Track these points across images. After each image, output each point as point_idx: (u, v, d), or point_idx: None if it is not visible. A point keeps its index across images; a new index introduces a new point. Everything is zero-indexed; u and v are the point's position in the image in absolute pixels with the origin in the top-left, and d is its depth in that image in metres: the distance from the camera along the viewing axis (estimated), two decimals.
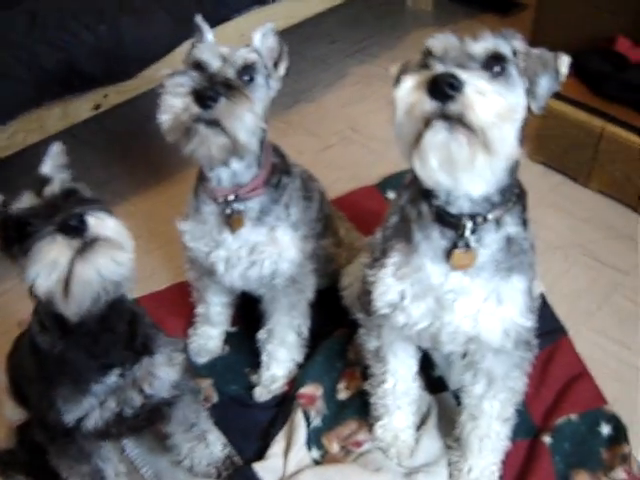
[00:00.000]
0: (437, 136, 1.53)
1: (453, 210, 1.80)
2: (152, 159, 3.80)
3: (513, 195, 1.83)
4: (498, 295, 1.90)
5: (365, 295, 2.13)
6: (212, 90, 1.89)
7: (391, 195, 3.27)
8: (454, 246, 1.83)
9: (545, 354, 2.63)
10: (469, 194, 1.74)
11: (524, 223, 1.90)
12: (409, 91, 1.55)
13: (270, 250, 2.32)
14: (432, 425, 2.46)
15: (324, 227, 2.67)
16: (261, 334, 2.61)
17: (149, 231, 3.41)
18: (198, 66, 2.01)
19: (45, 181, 1.75)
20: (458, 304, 1.90)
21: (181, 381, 2.06)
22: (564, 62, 1.74)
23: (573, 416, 2.44)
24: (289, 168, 2.38)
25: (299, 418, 2.42)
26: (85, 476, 2.07)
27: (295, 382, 2.59)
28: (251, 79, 2.05)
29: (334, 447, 2.42)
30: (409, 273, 1.93)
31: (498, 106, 1.51)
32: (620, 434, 2.40)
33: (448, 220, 1.82)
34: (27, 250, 1.58)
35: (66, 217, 1.54)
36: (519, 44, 1.71)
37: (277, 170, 2.30)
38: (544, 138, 3.53)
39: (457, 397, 2.48)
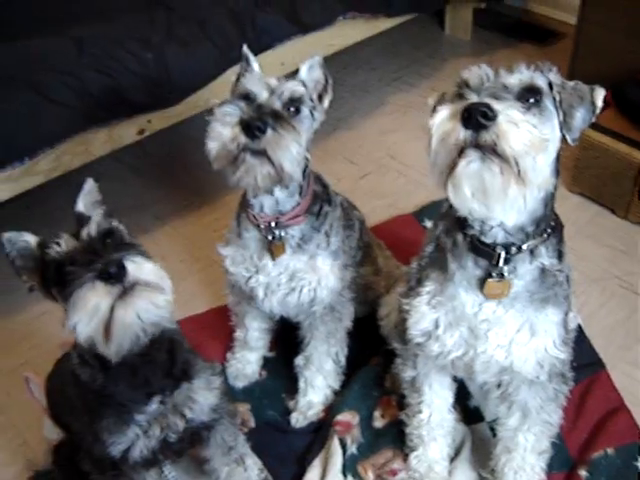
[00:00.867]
0: (470, 165, 1.56)
1: (487, 240, 1.82)
2: (193, 183, 3.86)
3: (549, 226, 1.84)
4: (532, 326, 1.90)
5: (401, 324, 2.15)
6: (260, 121, 1.92)
7: (428, 224, 3.29)
8: (488, 275, 1.85)
9: (582, 387, 2.62)
10: (502, 224, 1.77)
11: (560, 255, 1.90)
12: (444, 120, 1.59)
13: (309, 277, 2.34)
14: (466, 457, 2.45)
15: (363, 255, 2.69)
16: (299, 360, 2.64)
17: (190, 254, 3.46)
18: (246, 96, 2.05)
19: (82, 221, 1.80)
20: (491, 334, 1.91)
21: (220, 404, 2.08)
22: (600, 95, 1.75)
23: (610, 450, 2.42)
24: (330, 197, 2.40)
25: (335, 445, 2.43)
26: None
27: (332, 409, 2.61)
28: (297, 111, 2.08)
29: (369, 475, 2.42)
30: (443, 302, 1.95)
31: (531, 136, 1.53)
32: None
33: (482, 250, 1.84)
34: (67, 296, 1.62)
35: (106, 264, 1.57)
36: (554, 77, 1.73)
37: (319, 198, 2.34)
38: (582, 169, 3.52)
39: (493, 428, 2.47)
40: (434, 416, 2.34)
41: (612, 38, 3.90)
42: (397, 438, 2.49)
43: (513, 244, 1.81)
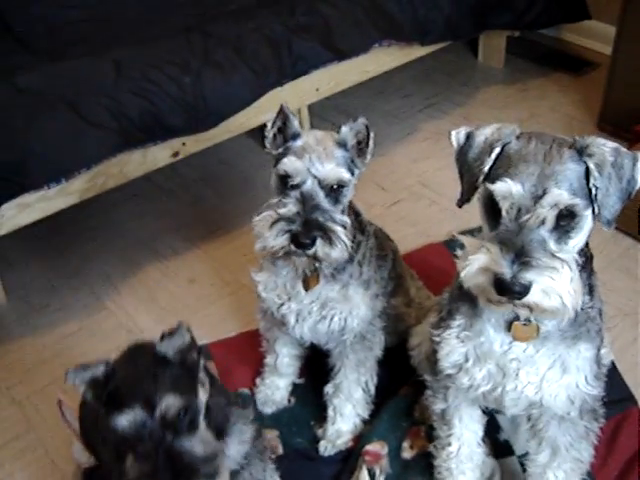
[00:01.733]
0: (504, 312, 1.72)
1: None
2: (224, 206, 3.87)
3: (578, 265, 1.77)
4: (563, 363, 1.89)
5: (432, 355, 2.14)
6: (309, 237, 2.03)
7: (459, 253, 3.26)
8: (516, 317, 1.84)
9: (613, 423, 2.58)
10: None
11: (591, 290, 1.89)
12: (475, 274, 1.63)
13: (341, 307, 2.36)
14: None
15: (395, 286, 2.69)
16: (328, 388, 2.63)
17: (220, 278, 3.47)
18: (285, 178, 2.11)
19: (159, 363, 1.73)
20: (522, 372, 1.91)
21: (251, 450, 2.08)
22: None
23: None
24: (364, 227, 2.41)
25: (364, 475, 2.41)
26: None
27: (361, 438, 2.60)
28: (340, 191, 2.14)
29: None
30: (472, 337, 1.95)
31: (563, 299, 1.59)
32: None
33: None
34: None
35: None
36: (594, 162, 1.63)
37: (352, 228, 2.33)
38: None
39: (522, 463, 2.44)
40: (463, 449, 2.32)
41: None
42: (426, 470, 2.47)
43: None
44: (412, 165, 4.18)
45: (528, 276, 1.55)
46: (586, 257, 1.86)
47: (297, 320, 2.41)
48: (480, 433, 2.35)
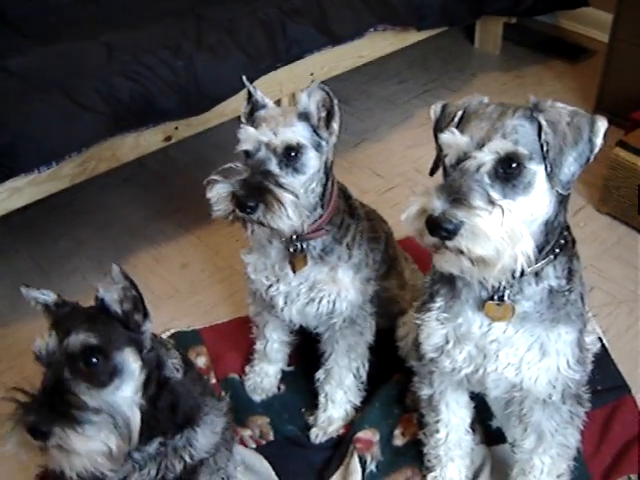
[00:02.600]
0: (445, 259, 1.63)
1: None
2: None
3: (556, 246, 1.81)
4: (542, 345, 1.89)
5: (417, 340, 2.13)
6: (249, 199, 1.99)
7: None
8: (491, 297, 1.84)
9: (606, 411, 2.58)
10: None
11: (569, 274, 1.87)
12: (413, 218, 1.63)
13: (329, 289, 2.34)
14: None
15: (389, 269, 2.67)
16: (319, 374, 2.62)
17: (213, 264, 3.46)
18: (246, 153, 2.12)
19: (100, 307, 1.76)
20: (502, 354, 1.90)
21: (220, 440, 2.08)
22: (601, 128, 1.65)
23: (633, 477, 2.39)
24: (353, 209, 2.40)
25: (355, 463, 2.41)
26: None
27: (352, 426, 2.59)
28: (297, 158, 2.10)
29: None
30: (450, 318, 1.95)
31: (494, 244, 1.56)
32: None
33: None
34: None
35: (36, 424, 1.56)
36: (546, 117, 1.64)
37: (341, 211, 2.33)
38: (611, 189, 3.47)
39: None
40: (451, 436, 2.32)
41: None
42: (417, 457, 2.47)
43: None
44: (407, 151, 4.16)
45: (458, 213, 1.53)
46: (566, 240, 1.85)
47: (286, 302, 2.40)
48: (468, 420, 2.35)
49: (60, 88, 2.95)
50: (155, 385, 1.80)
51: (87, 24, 3.59)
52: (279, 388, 2.80)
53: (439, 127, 1.84)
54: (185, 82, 3.17)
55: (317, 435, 2.59)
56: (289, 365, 2.85)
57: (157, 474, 1.90)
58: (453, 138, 1.67)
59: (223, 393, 2.68)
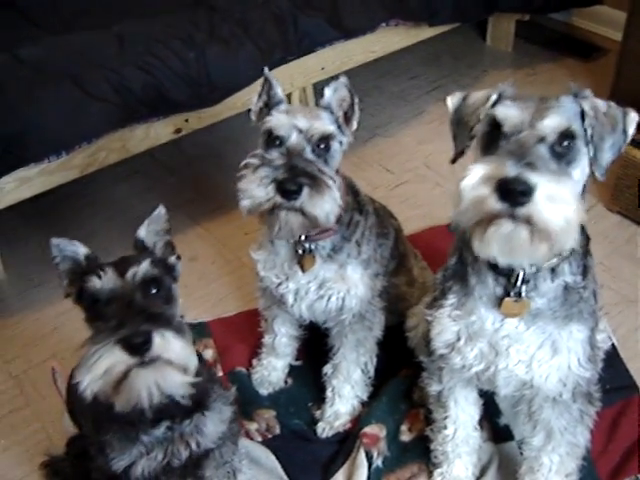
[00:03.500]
0: (501, 231, 1.54)
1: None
2: (227, 184, 3.81)
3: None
4: (553, 343, 1.88)
5: (427, 335, 2.13)
6: (295, 183, 1.93)
7: None
8: (507, 294, 1.83)
9: (615, 410, 2.57)
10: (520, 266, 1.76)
11: (585, 270, 1.87)
12: (477, 184, 1.54)
13: (339, 286, 2.34)
14: (492, 476, 2.42)
15: (398, 265, 2.67)
16: (327, 368, 2.61)
17: (222, 256, 3.46)
18: (271, 134, 2.06)
19: (138, 247, 1.81)
20: (512, 350, 1.89)
21: (227, 431, 2.06)
22: (633, 121, 1.71)
23: None
24: (362, 206, 2.38)
25: (361, 458, 2.40)
26: None
27: (359, 420, 2.58)
28: (327, 148, 2.09)
29: None
30: (463, 315, 1.94)
31: (568, 211, 1.51)
32: None
33: (501, 268, 1.81)
34: (90, 330, 1.64)
35: (132, 333, 1.53)
36: (588, 104, 1.69)
37: (349, 208, 2.32)
38: (622, 188, 3.45)
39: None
40: (459, 432, 2.32)
41: None
42: (423, 453, 2.46)
43: (532, 263, 1.78)
44: (418, 147, 4.15)
45: (533, 177, 1.49)
46: (581, 238, 1.83)
47: (295, 299, 2.39)
48: (476, 417, 2.34)
49: (71, 78, 2.95)
50: None
51: (99, 14, 3.58)
52: (286, 382, 2.80)
53: (459, 115, 1.86)
54: (196, 73, 3.15)
55: (324, 429, 2.58)
56: (297, 359, 2.84)
57: (163, 459, 1.89)
58: (510, 109, 1.65)
59: (230, 386, 2.69)
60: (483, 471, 2.43)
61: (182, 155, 4.16)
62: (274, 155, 1.99)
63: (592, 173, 1.71)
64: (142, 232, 1.83)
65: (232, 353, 2.88)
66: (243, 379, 2.76)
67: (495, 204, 1.51)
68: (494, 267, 1.83)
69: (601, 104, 1.71)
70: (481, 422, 2.38)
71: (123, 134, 3.13)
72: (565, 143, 1.63)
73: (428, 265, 2.93)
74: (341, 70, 3.81)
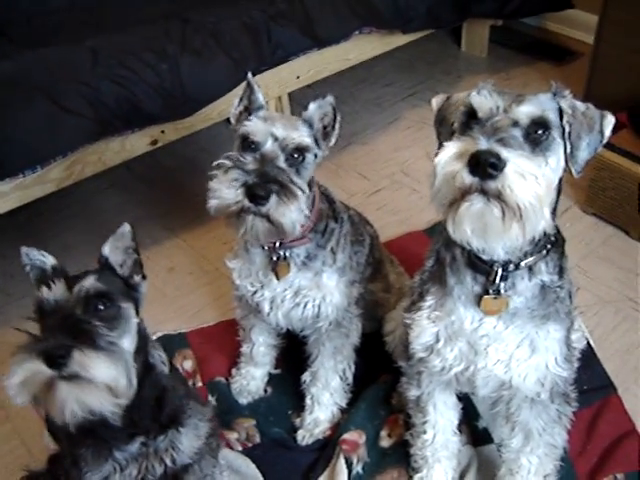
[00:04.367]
0: (473, 208, 1.56)
1: (485, 257, 1.81)
2: (204, 195, 3.81)
3: (548, 242, 1.84)
4: (532, 342, 1.89)
5: (405, 339, 2.13)
6: (264, 189, 1.94)
7: None
8: (485, 292, 1.85)
9: (593, 410, 2.59)
10: (495, 253, 1.77)
11: (561, 270, 1.89)
12: (449, 160, 1.57)
13: (314, 294, 2.35)
14: None
15: (374, 272, 2.68)
16: (305, 376, 2.62)
17: (200, 267, 3.46)
18: (247, 139, 2.07)
19: (101, 263, 1.81)
20: (491, 349, 1.91)
21: (204, 446, 2.06)
22: (609, 123, 1.75)
23: (619, 476, 2.39)
24: (337, 214, 2.39)
25: (341, 464, 2.41)
26: None
27: (338, 427, 2.59)
28: (301, 159, 2.10)
29: None
30: (442, 316, 1.95)
31: (538, 188, 1.53)
32: None
33: (479, 266, 1.84)
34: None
35: (54, 346, 1.52)
36: (566, 103, 1.72)
37: (324, 216, 2.33)
38: (597, 190, 3.49)
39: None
40: (438, 437, 2.32)
41: (629, 58, 3.87)
42: (403, 458, 2.47)
43: (511, 261, 1.81)
44: (394, 154, 4.17)
45: (504, 151, 1.52)
46: (556, 238, 1.88)
47: (271, 307, 2.40)
48: (455, 421, 2.35)
49: (45, 92, 2.94)
50: (141, 367, 1.79)
51: (73, 29, 3.58)
52: (265, 390, 2.79)
53: (442, 114, 1.89)
54: (170, 85, 3.16)
55: (303, 437, 2.58)
56: (275, 368, 2.84)
57: (137, 475, 1.89)
58: (484, 98, 1.68)
59: (210, 396, 2.70)
60: (463, 474, 2.44)
61: (159, 167, 4.16)
62: (247, 159, 2.01)
63: (569, 170, 1.73)
64: (106, 249, 1.83)
65: (211, 363, 2.88)
66: (222, 389, 2.76)
67: (467, 177, 1.53)
68: (472, 265, 1.85)
69: (579, 104, 1.74)
70: (460, 426, 2.39)
71: (99, 147, 3.13)
72: (539, 131, 1.65)
73: (405, 271, 2.94)
74: (316, 79, 3.85)
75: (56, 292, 1.65)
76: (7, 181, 2.89)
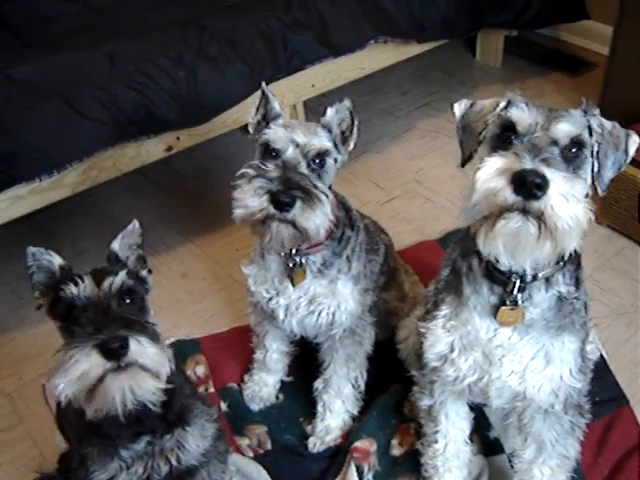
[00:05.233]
0: (510, 226, 1.56)
1: (503, 267, 1.81)
2: (218, 201, 3.86)
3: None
4: (547, 354, 1.89)
5: (419, 348, 2.14)
6: (288, 196, 1.95)
7: None
8: (502, 303, 1.85)
9: (604, 422, 2.58)
10: (521, 267, 1.77)
11: (577, 282, 1.89)
12: (492, 176, 1.56)
13: (329, 302, 2.35)
14: None
15: (388, 280, 2.68)
16: (317, 383, 2.62)
17: (213, 273, 3.47)
18: (268, 147, 2.09)
19: (111, 259, 1.84)
20: (506, 360, 1.91)
21: (211, 449, 2.06)
22: (635, 142, 1.77)
23: None
24: (353, 222, 2.40)
25: (352, 472, 2.41)
26: None
27: (350, 435, 2.59)
28: (322, 164, 2.12)
29: None
30: (457, 326, 1.95)
31: (577, 210, 1.53)
32: None
33: (497, 277, 1.84)
34: (64, 339, 1.65)
35: (110, 338, 1.55)
36: (596, 121, 1.73)
37: (341, 223, 2.34)
38: (611, 201, 3.47)
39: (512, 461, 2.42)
40: (450, 446, 2.32)
41: None
42: (414, 467, 2.46)
43: (528, 272, 1.80)
44: (408, 163, 4.18)
45: (548, 172, 1.52)
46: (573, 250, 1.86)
47: (286, 314, 2.40)
48: (467, 431, 2.35)
49: (62, 97, 2.96)
50: None
51: (90, 34, 3.61)
52: (277, 397, 2.80)
53: (466, 120, 1.88)
54: (186, 92, 3.18)
55: (315, 444, 2.59)
56: (288, 375, 2.85)
57: (143, 474, 1.90)
58: (522, 112, 1.68)
59: (222, 402, 2.70)
60: None
61: (173, 173, 4.19)
62: (270, 167, 2.02)
63: (594, 187, 1.75)
64: (116, 245, 1.87)
65: (224, 369, 2.89)
66: (235, 395, 2.77)
67: (509, 196, 1.53)
68: (490, 276, 1.85)
69: (607, 123, 1.75)
70: (471, 435, 2.39)
71: (114, 152, 3.15)
72: (574, 150, 1.67)
73: (419, 280, 2.94)
74: (331, 87, 3.86)
75: (86, 288, 1.67)
76: (23, 185, 2.92)
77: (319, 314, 2.36)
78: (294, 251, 2.24)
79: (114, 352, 1.54)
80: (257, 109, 2.25)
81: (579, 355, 1.94)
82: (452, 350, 1.98)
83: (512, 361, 1.90)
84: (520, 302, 1.83)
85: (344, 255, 2.33)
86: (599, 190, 1.74)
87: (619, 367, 2.82)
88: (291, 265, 2.28)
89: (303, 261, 2.28)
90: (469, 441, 2.37)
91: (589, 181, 1.73)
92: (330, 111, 2.17)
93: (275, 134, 2.08)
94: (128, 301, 1.72)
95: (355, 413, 2.65)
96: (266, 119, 2.20)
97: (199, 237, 3.69)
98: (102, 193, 3.80)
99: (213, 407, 2.13)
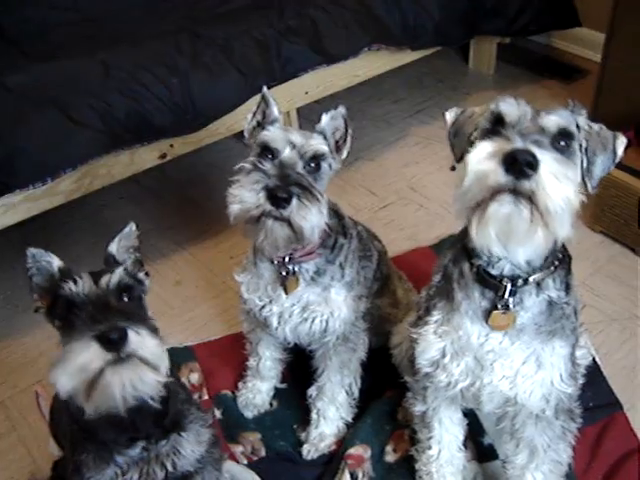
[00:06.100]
0: (502, 209, 1.56)
1: (494, 271, 1.82)
2: (212, 209, 3.87)
3: (556, 259, 1.85)
4: (538, 358, 1.90)
5: (412, 354, 2.14)
6: (286, 192, 1.95)
7: None
8: (494, 307, 1.85)
9: (598, 428, 2.58)
10: (514, 260, 1.77)
11: (567, 287, 1.90)
12: (483, 158, 1.57)
13: (322, 309, 2.35)
14: None
15: (381, 287, 2.69)
16: (311, 391, 2.62)
17: (206, 280, 3.47)
18: (267, 150, 2.08)
19: (109, 262, 1.83)
20: (497, 365, 1.91)
21: (206, 456, 2.06)
22: (622, 144, 1.79)
23: None
24: (346, 230, 2.40)
25: (346, 479, 2.41)
26: None
27: (344, 442, 2.59)
28: (318, 167, 2.12)
29: None
30: (449, 331, 1.96)
31: (568, 191, 1.54)
32: None
33: (488, 281, 1.84)
34: (64, 337, 1.64)
35: (109, 328, 1.55)
36: (583, 120, 1.76)
37: (334, 231, 2.34)
38: (604, 207, 3.49)
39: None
40: (444, 453, 2.33)
41: (636, 76, 3.86)
42: (408, 473, 2.46)
43: (519, 276, 1.82)
44: (401, 170, 4.19)
45: (538, 152, 1.53)
46: (564, 256, 1.89)
47: (279, 322, 2.40)
48: (461, 437, 2.35)
49: (56, 105, 2.97)
50: None
51: (85, 42, 3.60)
52: (271, 404, 2.80)
53: (457, 126, 1.90)
54: (180, 99, 3.18)
55: (309, 451, 2.59)
56: (282, 382, 2.85)
57: (139, 479, 1.89)
58: (511, 106, 1.69)
59: (215, 409, 2.70)
60: None
61: (167, 180, 4.19)
62: (267, 166, 2.02)
63: (584, 185, 1.75)
64: (113, 247, 1.87)
65: (217, 376, 2.89)
66: (229, 402, 2.77)
67: (501, 176, 1.53)
68: (481, 280, 1.86)
69: (594, 124, 1.78)
70: (465, 442, 2.39)
71: (108, 160, 3.15)
72: (563, 143, 1.68)
73: (413, 286, 2.94)
74: (325, 94, 3.87)
75: (84, 286, 1.67)
76: (17, 193, 2.91)
77: (312, 321, 2.36)
78: (287, 259, 2.25)
79: (114, 342, 1.54)
80: (254, 114, 2.25)
81: (569, 360, 1.95)
82: (444, 355, 1.98)
83: (503, 366, 1.91)
84: (512, 306, 1.84)
85: (337, 262, 2.33)
86: (589, 187, 1.76)
87: (613, 373, 2.83)
88: (284, 273, 2.28)
89: (296, 269, 2.28)
90: (463, 447, 2.37)
91: (579, 175, 1.73)
92: (325, 117, 2.18)
93: (273, 134, 2.09)
94: (126, 299, 1.72)
95: (349, 420, 2.65)
96: (262, 124, 2.21)
97: (193, 244, 3.70)
98: (96, 201, 3.80)
99: (208, 413, 2.12)
